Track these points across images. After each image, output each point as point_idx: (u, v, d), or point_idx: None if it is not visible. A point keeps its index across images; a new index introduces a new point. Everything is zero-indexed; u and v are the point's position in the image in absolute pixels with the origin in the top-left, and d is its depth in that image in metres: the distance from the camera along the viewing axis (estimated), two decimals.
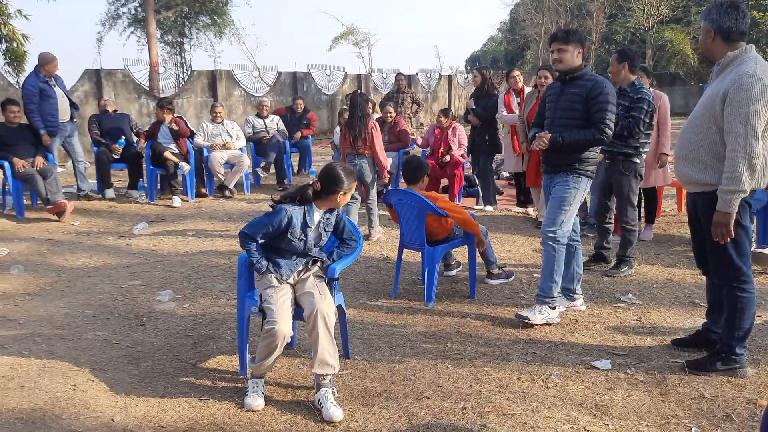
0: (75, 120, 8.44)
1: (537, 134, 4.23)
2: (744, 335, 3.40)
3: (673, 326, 4.18)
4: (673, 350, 3.78)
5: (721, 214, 3.19)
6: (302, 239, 3.34)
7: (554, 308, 4.21)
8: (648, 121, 5.06)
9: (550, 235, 4.16)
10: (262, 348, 3.16)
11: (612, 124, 4.10)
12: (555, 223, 4.16)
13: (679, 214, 7.43)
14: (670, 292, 4.87)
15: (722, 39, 3.26)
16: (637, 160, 5.15)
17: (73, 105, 8.36)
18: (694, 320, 4.24)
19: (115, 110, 9.34)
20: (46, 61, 7.89)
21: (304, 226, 3.33)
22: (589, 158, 4.19)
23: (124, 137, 8.73)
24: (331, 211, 3.45)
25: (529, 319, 4.13)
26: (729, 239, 3.22)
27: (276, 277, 3.32)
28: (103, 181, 8.76)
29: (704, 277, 3.82)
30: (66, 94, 8.28)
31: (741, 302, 3.35)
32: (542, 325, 4.15)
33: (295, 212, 3.30)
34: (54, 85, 8.02)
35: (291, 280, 3.40)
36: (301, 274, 3.44)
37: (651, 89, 6.13)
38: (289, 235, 3.31)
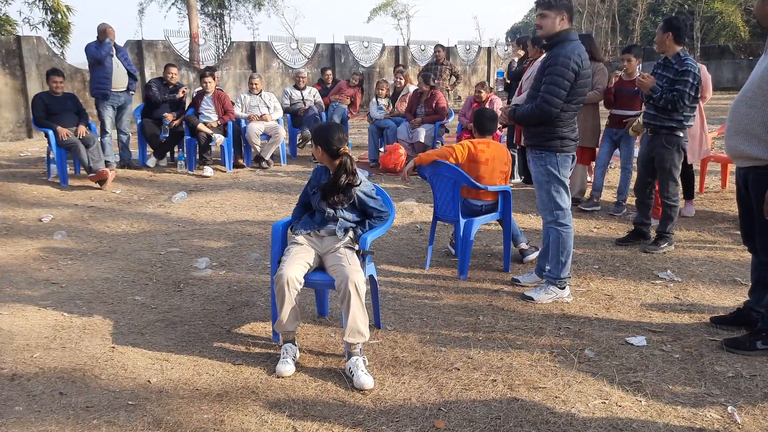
0: (132, 92, 8.54)
1: (502, 108, 4.15)
2: None
3: (712, 304, 4.08)
4: (711, 328, 3.69)
5: None
6: (315, 193, 3.55)
7: (564, 288, 4.15)
8: (693, 94, 4.87)
9: (549, 219, 4.10)
10: (276, 301, 3.25)
11: (557, 99, 3.79)
12: (546, 207, 4.10)
13: (722, 191, 7.21)
14: (711, 269, 4.74)
15: None
16: (681, 134, 4.98)
17: (131, 77, 8.45)
18: (734, 299, 4.12)
19: (175, 85, 8.97)
20: (98, 30, 8.22)
21: (317, 180, 3.57)
22: (555, 131, 3.92)
23: (166, 115, 8.67)
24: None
25: (533, 299, 4.11)
26: None
27: (297, 234, 3.50)
28: (155, 149, 8.86)
29: (747, 255, 3.70)
30: (126, 65, 8.39)
31: None
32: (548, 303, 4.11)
33: (318, 169, 3.63)
34: (111, 55, 8.19)
35: (315, 245, 3.46)
36: (324, 239, 3.48)
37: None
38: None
